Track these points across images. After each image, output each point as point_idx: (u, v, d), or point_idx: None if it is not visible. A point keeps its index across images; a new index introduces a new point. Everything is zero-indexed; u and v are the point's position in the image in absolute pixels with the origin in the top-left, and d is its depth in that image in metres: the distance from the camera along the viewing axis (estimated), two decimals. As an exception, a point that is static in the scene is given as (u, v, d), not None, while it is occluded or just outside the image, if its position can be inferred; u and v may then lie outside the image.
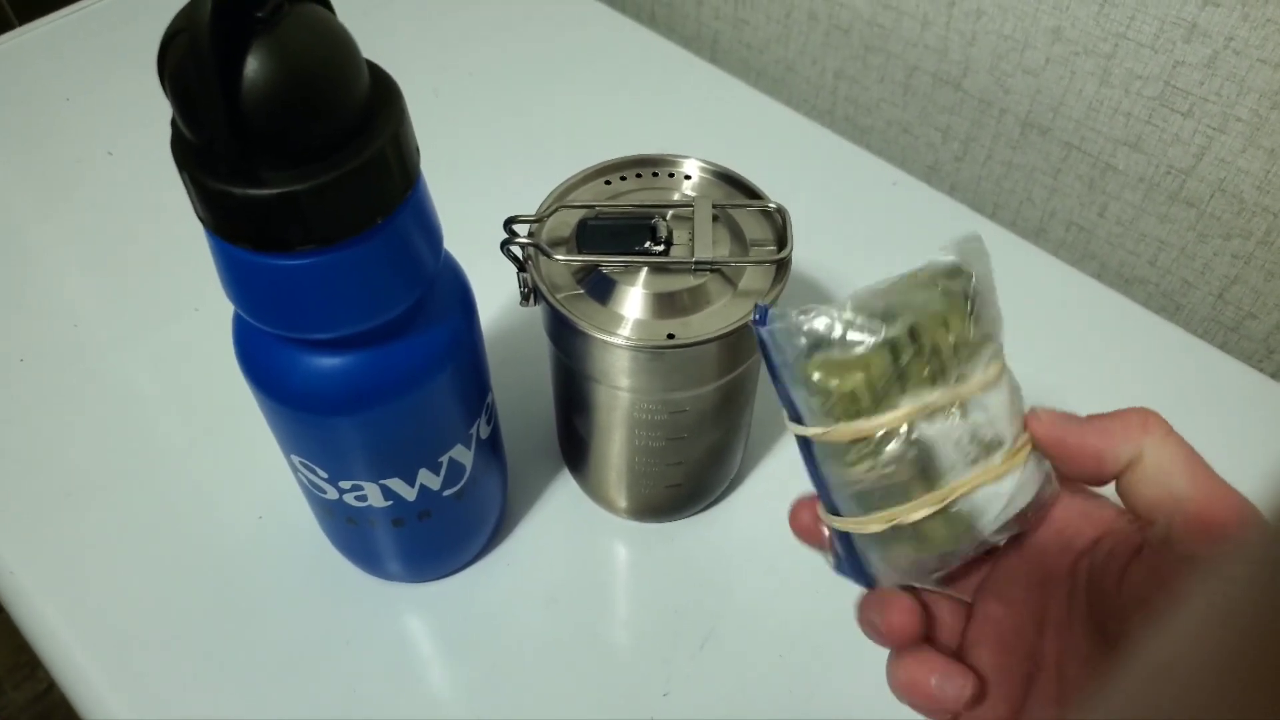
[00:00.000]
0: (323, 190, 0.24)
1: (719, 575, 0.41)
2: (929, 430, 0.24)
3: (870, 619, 0.27)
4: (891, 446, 0.24)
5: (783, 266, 0.34)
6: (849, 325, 0.24)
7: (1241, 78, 0.46)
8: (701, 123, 0.60)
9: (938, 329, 0.24)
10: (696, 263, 0.33)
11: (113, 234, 0.54)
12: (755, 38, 0.68)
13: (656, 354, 0.33)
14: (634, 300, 0.33)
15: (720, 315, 0.33)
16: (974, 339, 0.25)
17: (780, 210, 0.35)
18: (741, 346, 0.34)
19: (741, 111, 0.61)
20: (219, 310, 0.30)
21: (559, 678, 0.38)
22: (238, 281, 0.27)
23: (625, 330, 0.33)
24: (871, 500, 0.25)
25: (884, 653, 0.38)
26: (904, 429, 0.24)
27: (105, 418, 0.46)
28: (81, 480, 0.43)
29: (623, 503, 0.41)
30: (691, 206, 0.35)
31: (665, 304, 0.33)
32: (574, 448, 0.41)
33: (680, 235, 0.34)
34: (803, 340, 0.24)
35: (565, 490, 0.43)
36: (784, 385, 0.25)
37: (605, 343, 0.32)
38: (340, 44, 0.25)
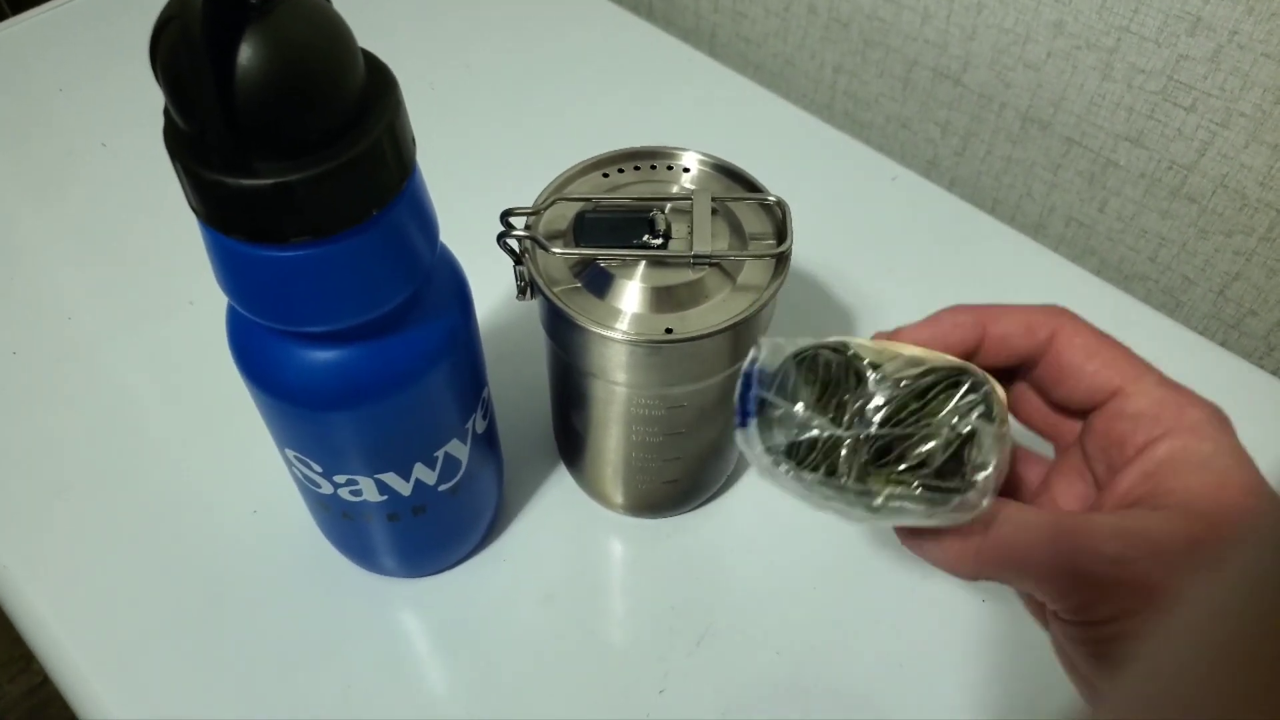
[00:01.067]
0: (317, 181, 0.24)
1: (715, 572, 0.41)
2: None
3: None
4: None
5: (782, 260, 0.34)
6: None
7: (1245, 72, 0.46)
8: (700, 117, 0.60)
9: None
10: (695, 256, 0.33)
11: (107, 227, 0.53)
12: (754, 31, 0.68)
13: (654, 349, 0.32)
14: (632, 294, 0.33)
15: (719, 310, 0.33)
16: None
17: (780, 203, 0.35)
18: (740, 341, 0.34)
19: (740, 106, 0.61)
20: (214, 304, 0.29)
21: (554, 674, 0.38)
22: (231, 273, 0.27)
23: (623, 324, 0.32)
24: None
25: (881, 648, 0.38)
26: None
27: (99, 411, 0.45)
28: (75, 474, 0.43)
29: (619, 498, 0.41)
30: (690, 200, 0.34)
31: (663, 298, 0.33)
32: (570, 443, 0.41)
33: (679, 229, 0.34)
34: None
35: (561, 486, 0.43)
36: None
37: (602, 337, 0.32)
38: (336, 32, 0.24)
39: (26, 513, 0.42)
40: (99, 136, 0.58)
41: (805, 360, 0.26)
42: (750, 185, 0.36)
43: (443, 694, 0.37)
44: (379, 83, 0.26)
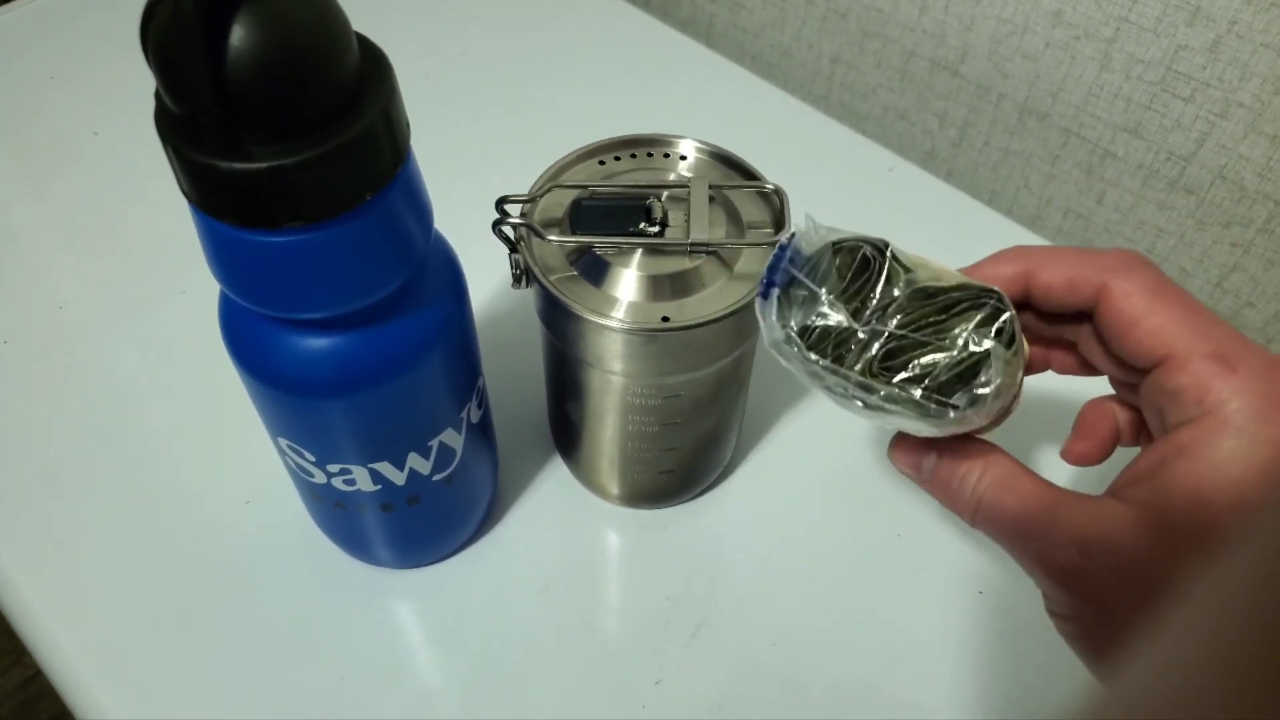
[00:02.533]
0: (311, 165, 0.23)
1: (712, 563, 0.41)
2: None
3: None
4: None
5: (780, 249, 0.33)
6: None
7: (1244, 62, 0.46)
8: (696, 107, 0.60)
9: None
10: (692, 244, 0.33)
11: (98, 215, 0.53)
12: (751, 21, 0.68)
13: (651, 337, 0.32)
14: (628, 282, 0.33)
15: (716, 298, 0.33)
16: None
17: (778, 191, 0.35)
18: (738, 330, 0.33)
19: (737, 96, 0.61)
20: (206, 293, 0.29)
21: (549, 665, 0.37)
22: (223, 259, 0.26)
23: (619, 313, 0.32)
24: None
25: (877, 640, 0.38)
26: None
27: (90, 401, 0.45)
28: (66, 464, 0.43)
29: (615, 489, 0.41)
30: (687, 187, 0.34)
31: (660, 286, 0.32)
32: (566, 433, 0.41)
33: (676, 216, 0.34)
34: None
35: (557, 476, 0.43)
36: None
37: (598, 326, 0.32)
38: (329, 13, 0.24)
39: (18, 503, 0.41)
40: (91, 125, 0.57)
41: (842, 250, 0.27)
42: (748, 173, 0.36)
43: (438, 685, 0.37)
44: (373, 66, 0.25)
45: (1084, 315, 0.27)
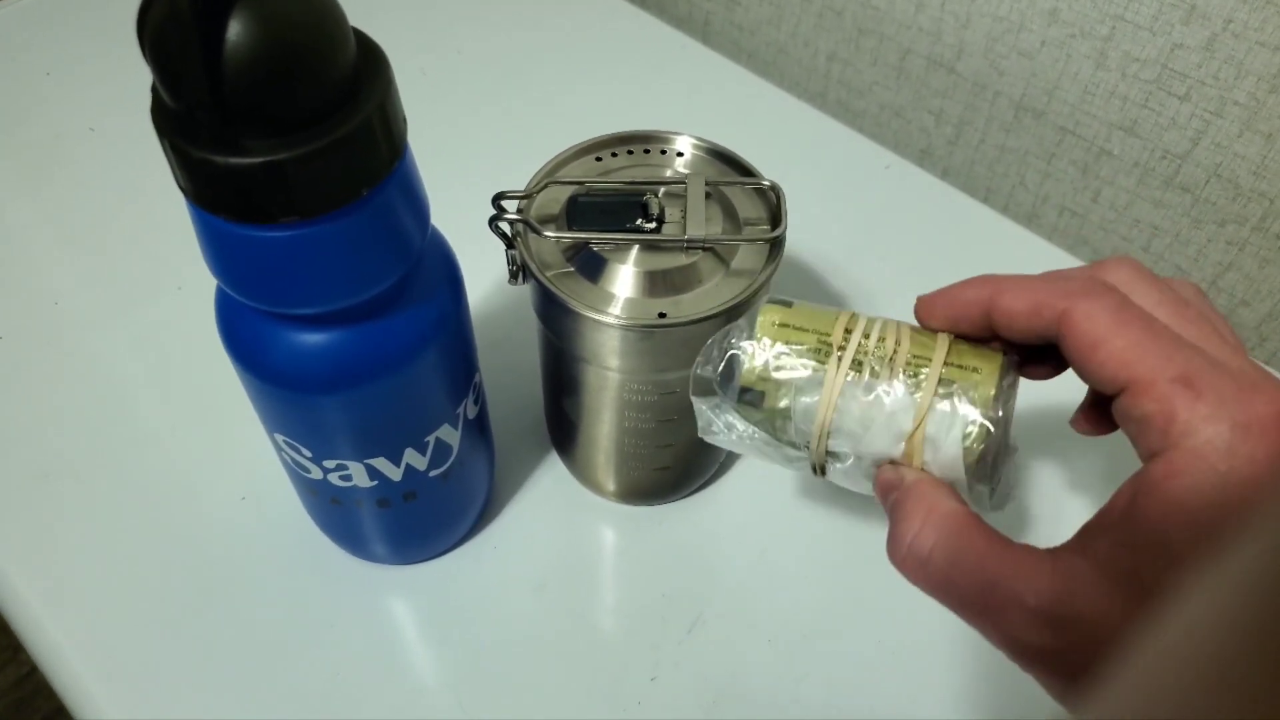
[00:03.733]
0: (307, 159, 0.23)
1: (707, 559, 0.41)
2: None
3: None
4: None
5: (776, 245, 0.33)
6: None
7: (1240, 61, 0.46)
8: (693, 105, 0.60)
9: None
10: (689, 241, 0.33)
11: (94, 211, 0.53)
12: (747, 19, 0.68)
13: (647, 333, 0.32)
14: (625, 279, 0.33)
15: (713, 294, 0.33)
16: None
17: (774, 188, 0.35)
18: (734, 326, 0.33)
19: (733, 93, 0.61)
20: (202, 289, 0.29)
21: (545, 662, 0.37)
22: (220, 254, 0.26)
23: (615, 309, 0.32)
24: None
25: (873, 636, 0.38)
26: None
27: (85, 397, 0.45)
28: (61, 461, 0.43)
29: (611, 486, 0.41)
30: (684, 184, 0.34)
31: (657, 282, 0.33)
32: (562, 429, 0.41)
33: (672, 213, 0.34)
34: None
35: (553, 473, 0.43)
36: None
37: (595, 322, 0.32)
38: (327, 9, 0.24)
39: (13, 499, 0.41)
40: (87, 120, 0.57)
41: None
42: (744, 170, 0.36)
43: (432, 681, 0.37)
44: (370, 61, 0.25)
45: (1051, 346, 0.26)
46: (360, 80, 0.25)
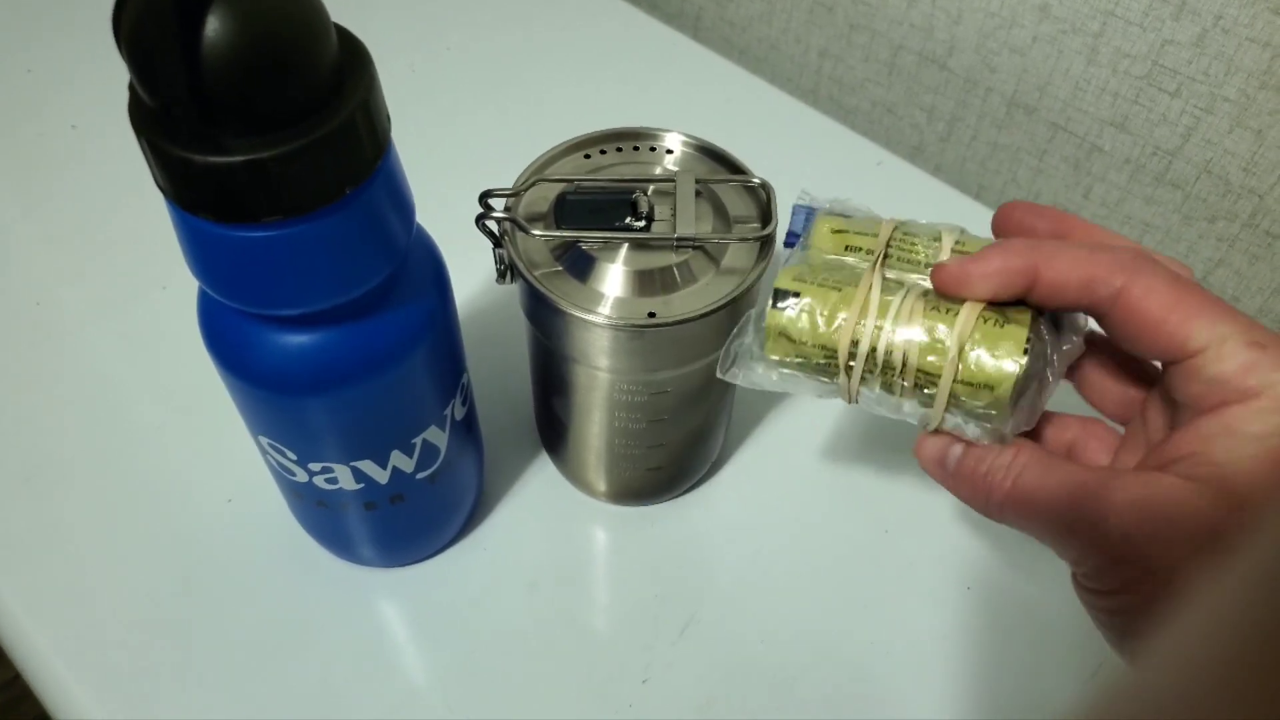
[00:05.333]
0: (288, 158, 0.23)
1: (700, 560, 0.40)
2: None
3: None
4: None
5: (767, 244, 0.33)
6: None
7: (1230, 57, 0.46)
8: (683, 101, 0.59)
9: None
10: (679, 239, 0.32)
11: (77, 210, 0.52)
12: (738, 15, 0.67)
13: (637, 333, 0.32)
14: (614, 278, 0.32)
15: (703, 293, 0.32)
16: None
17: (765, 186, 0.34)
18: (725, 325, 0.33)
19: (724, 90, 0.60)
20: (187, 288, 0.29)
21: (536, 664, 0.37)
22: (200, 254, 0.26)
23: (605, 308, 0.32)
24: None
25: (866, 636, 0.38)
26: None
27: (69, 398, 0.44)
28: (44, 463, 0.42)
29: (602, 486, 0.41)
30: (674, 181, 0.34)
31: (646, 281, 0.32)
32: (552, 430, 0.40)
33: (662, 211, 0.33)
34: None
35: (543, 473, 0.42)
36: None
37: (584, 321, 0.31)
38: (307, 4, 0.23)
39: (-6, 502, 0.41)
40: (68, 119, 0.56)
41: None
42: (734, 167, 0.36)
43: (423, 684, 0.37)
44: (353, 58, 0.25)
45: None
46: (343, 77, 0.24)
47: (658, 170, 0.36)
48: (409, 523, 0.37)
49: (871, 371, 0.27)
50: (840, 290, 0.28)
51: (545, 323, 0.34)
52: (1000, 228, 0.30)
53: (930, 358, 0.27)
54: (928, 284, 0.28)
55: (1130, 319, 0.25)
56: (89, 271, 0.49)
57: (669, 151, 0.37)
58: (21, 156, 0.55)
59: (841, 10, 0.61)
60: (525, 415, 0.43)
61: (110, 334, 0.47)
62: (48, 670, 0.37)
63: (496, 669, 0.37)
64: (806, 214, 0.31)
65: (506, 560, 0.40)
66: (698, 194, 0.34)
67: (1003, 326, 0.26)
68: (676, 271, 0.32)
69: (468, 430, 0.36)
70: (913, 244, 0.30)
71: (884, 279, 0.28)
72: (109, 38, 0.23)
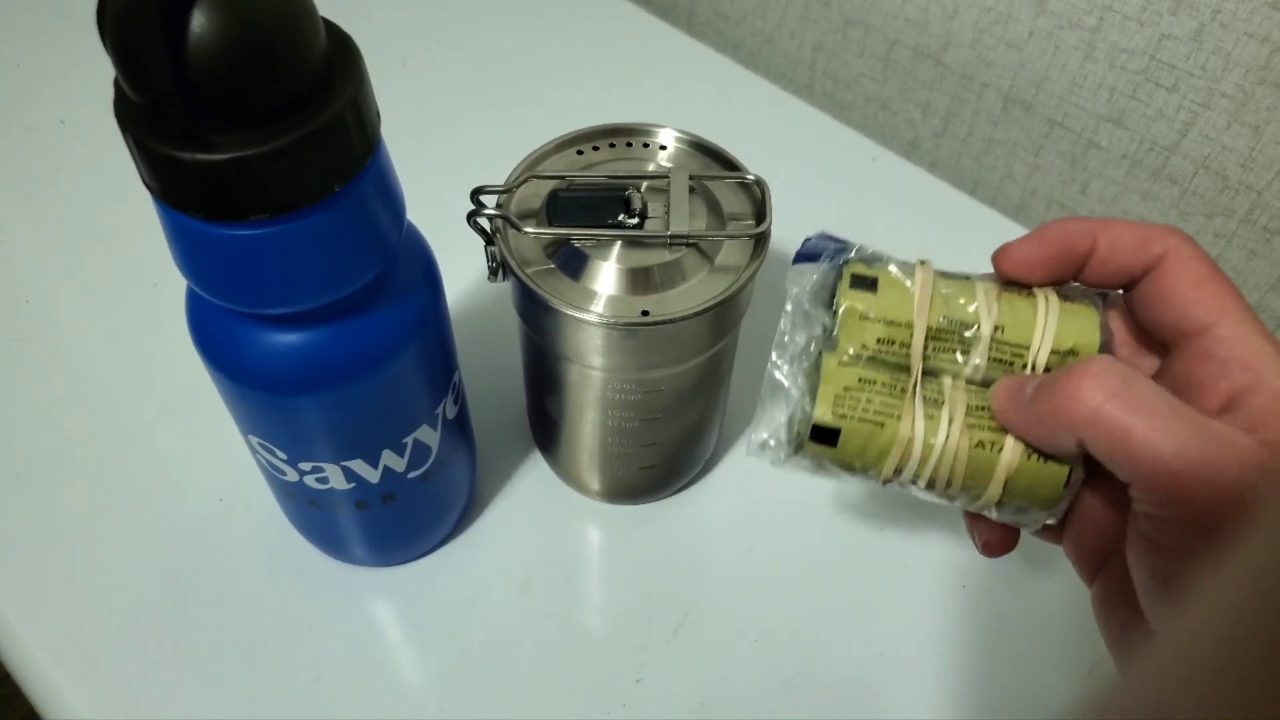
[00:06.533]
0: (276, 155, 0.23)
1: (694, 559, 0.40)
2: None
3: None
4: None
5: (761, 241, 0.33)
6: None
7: (1228, 52, 0.46)
8: (677, 96, 0.59)
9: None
10: (672, 236, 0.32)
11: (66, 206, 0.52)
12: (732, 9, 0.67)
13: (630, 331, 0.31)
14: (607, 275, 0.32)
15: (697, 291, 0.32)
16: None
17: (759, 182, 0.34)
18: (719, 323, 0.33)
19: (718, 85, 0.60)
20: (178, 286, 0.28)
21: (529, 663, 0.37)
22: (187, 252, 0.25)
23: (598, 307, 0.31)
24: None
25: (860, 636, 0.38)
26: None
27: (59, 396, 0.44)
28: (33, 461, 0.42)
29: (595, 485, 0.40)
30: (667, 178, 0.34)
31: (639, 279, 0.32)
32: (545, 428, 0.40)
33: (655, 208, 0.33)
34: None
35: (536, 472, 0.42)
36: None
37: (577, 320, 0.31)
38: (294, -1, 0.23)
39: (-17, 502, 0.40)
40: (57, 113, 0.56)
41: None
42: (729, 164, 0.35)
43: (415, 684, 0.36)
44: (342, 53, 0.24)
45: (1111, 299, 0.28)
46: (331, 72, 0.24)
47: (651, 167, 0.35)
48: (401, 522, 0.36)
49: (915, 483, 0.27)
50: (883, 426, 0.27)
51: (538, 321, 0.33)
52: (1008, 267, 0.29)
53: (975, 479, 0.27)
54: (972, 365, 0.28)
55: (1163, 283, 0.26)
56: (79, 268, 0.49)
57: (662, 148, 0.36)
58: (10, 151, 0.54)
59: (836, 5, 0.60)
60: (518, 413, 0.43)
61: (100, 331, 0.46)
62: (37, 670, 0.36)
63: (490, 668, 0.37)
64: (834, 250, 0.29)
65: (499, 559, 0.39)
66: (691, 191, 0.34)
67: (1044, 462, 0.26)
68: (670, 269, 0.32)
69: (460, 429, 0.36)
70: (949, 342, 0.28)
71: (923, 398, 0.27)
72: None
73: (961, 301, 0.28)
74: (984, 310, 0.28)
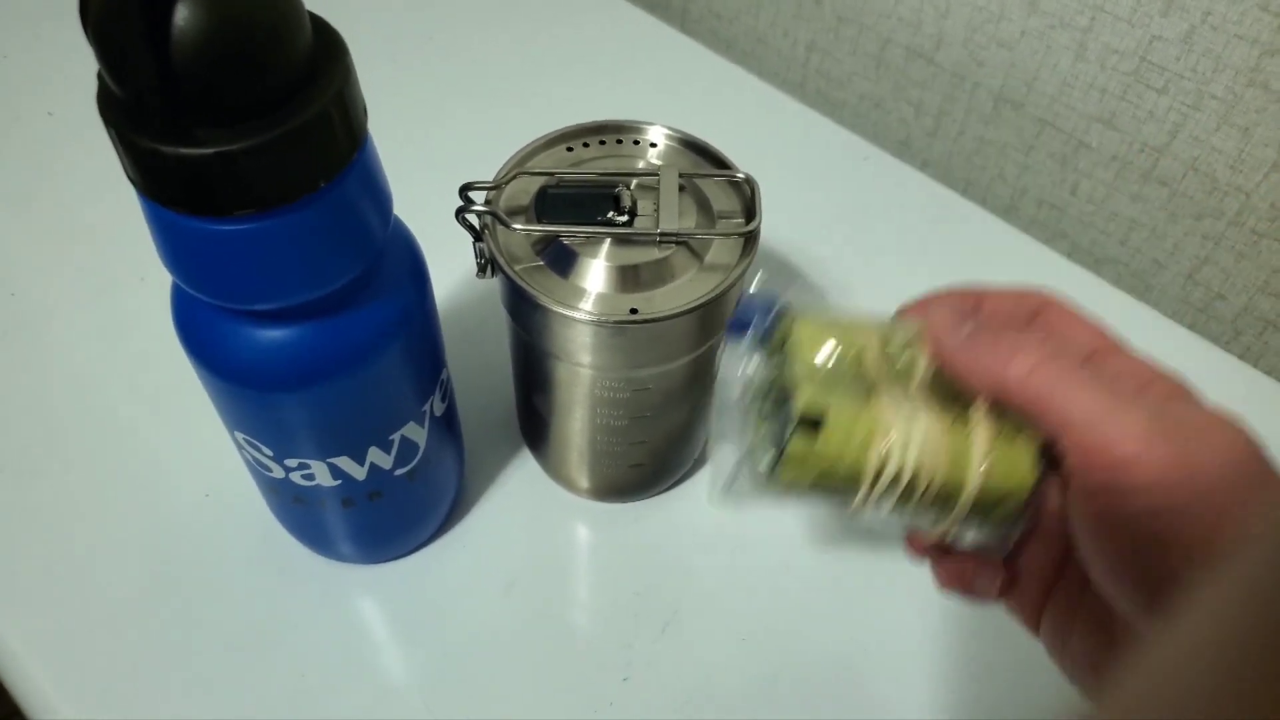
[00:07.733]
0: (261, 150, 0.22)
1: (681, 557, 0.40)
2: None
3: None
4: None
5: (751, 239, 0.33)
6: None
7: (1218, 54, 0.46)
8: (669, 94, 0.59)
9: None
10: (661, 234, 0.32)
11: (53, 198, 0.51)
12: (725, 7, 0.67)
13: (619, 329, 0.31)
14: (596, 273, 0.32)
15: (686, 289, 0.32)
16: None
17: (749, 180, 0.34)
18: (708, 322, 0.33)
19: (711, 83, 0.60)
20: (166, 280, 0.28)
21: (516, 662, 0.37)
22: (172, 248, 0.25)
23: (586, 304, 0.31)
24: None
25: (848, 635, 0.38)
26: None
27: (44, 390, 0.44)
28: (18, 456, 0.41)
29: (584, 483, 0.40)
30: (657, 175, 0.33)
31: (628, 277, 0.32)
32: (534, 426, 0.40)
33: (645, 205, 0.33)
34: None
35: (525, 470, 0.42)
36: None
37: (566, 317, 0.31)
38: (279, -8, 0.23)
39: (-34, 496, 0.40)
40: (45, 105, 0.56)
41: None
42: (719, 162, 0.35)
43: (401, 682, 0.36)
44: (328, 48, 0.24)
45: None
46: (317, 67, 0.24)
47: (641, 164, 0.35)
48: (387, 519, 0.36)
49: (889, 492, 0.26)
50: (862, 413, 0.26)
51: (526, 318, 0.33)
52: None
53: (955, 467, 0.26)
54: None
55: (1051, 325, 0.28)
56: (65, 261, 0.49)
57: (652, 145, 0.36)
58: (-3, 144, 0.54)
59: (829, 3, 0.60)
60: (506, 411, 0.43)
61: (87, 326, 0.46)
62: (20, 668, 0.36)
63: (476, 667, 0.37)
64: (768, 310, 0.28)
65: (487, 557, 0.39)
66: (681, 188, 0.33)
67: (1013, 441, 0.26)
68: (659, 267, 0.32)
69: (447, 426, 0.36)
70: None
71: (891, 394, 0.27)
72: (83, 22, 0.22)
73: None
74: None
